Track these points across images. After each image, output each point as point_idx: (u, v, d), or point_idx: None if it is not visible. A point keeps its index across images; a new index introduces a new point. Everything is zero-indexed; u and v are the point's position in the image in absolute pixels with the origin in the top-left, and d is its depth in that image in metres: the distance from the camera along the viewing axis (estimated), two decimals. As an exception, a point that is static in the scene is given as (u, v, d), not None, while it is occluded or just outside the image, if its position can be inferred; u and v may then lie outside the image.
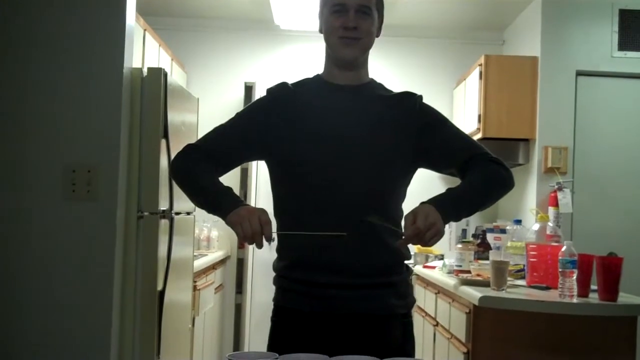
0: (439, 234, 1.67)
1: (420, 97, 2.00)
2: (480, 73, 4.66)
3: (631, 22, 4.50)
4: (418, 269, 4.53)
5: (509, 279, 3.29)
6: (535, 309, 2.91)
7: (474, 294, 3.03)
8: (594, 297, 2.96)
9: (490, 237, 4.05)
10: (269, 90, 2.01)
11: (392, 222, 1.86)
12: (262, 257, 4.99)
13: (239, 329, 5.17)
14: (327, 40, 1.96)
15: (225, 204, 1.78)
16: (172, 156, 2.06)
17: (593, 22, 4.52)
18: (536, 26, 4.64)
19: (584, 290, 2.98)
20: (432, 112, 1.99)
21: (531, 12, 4.81)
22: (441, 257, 4.55)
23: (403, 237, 1.69)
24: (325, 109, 1.93)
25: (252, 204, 4.97)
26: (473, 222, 4.85)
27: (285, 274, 1.92)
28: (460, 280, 3.40)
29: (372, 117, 1.91)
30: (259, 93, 5.04)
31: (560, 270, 2.92)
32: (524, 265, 3.46)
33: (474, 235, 4.39)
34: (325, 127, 1.89)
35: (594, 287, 3.00)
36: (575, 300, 2.91)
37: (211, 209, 1.83)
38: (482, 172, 1.87)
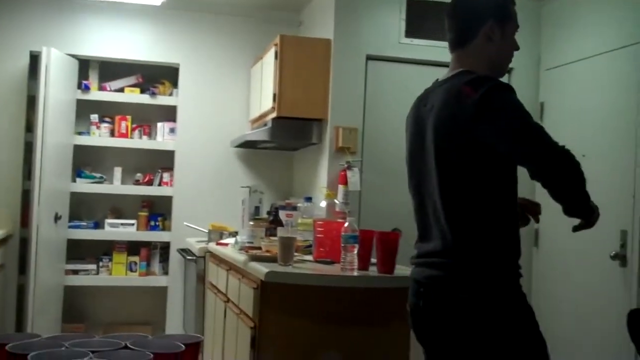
0: None
1: None
2: (276, 53, 4.70)
3: (418, 11, 4.74)
4: (212, 246, 4.52)
5: (297, 254, 3.38)
6: (318, 283, 3.01)
7: (262, 269, 3.07)
8: (373, 270, 3.11)
9: (282, 215, 4.12)
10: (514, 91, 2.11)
11: None
12: (47, 237, 4.73)
13: (22, 310, 4.87)
14: (504, 56, 2.24)
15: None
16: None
17: (383, 9, 4.70)
18: (330, 9, 4.75)
19: (364, 264, 3.13)
20: None
21: (326, -5, 4.92)
22: (235, 234, 4.56)
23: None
24: None
25: (37, 181, 4.68)
26: (267, 200, 4.90)
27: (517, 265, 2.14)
28: (249, 256, 3.43)
29: None
30: (46, 62, 4.73)
31: (342, 245, 3.04)
32: (312, 241, 3.56)
33: (268, 213, 4.45)
34: None
35: (374, 260, 3.15)
36: (355, 273, 3.04)
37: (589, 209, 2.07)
38: None
